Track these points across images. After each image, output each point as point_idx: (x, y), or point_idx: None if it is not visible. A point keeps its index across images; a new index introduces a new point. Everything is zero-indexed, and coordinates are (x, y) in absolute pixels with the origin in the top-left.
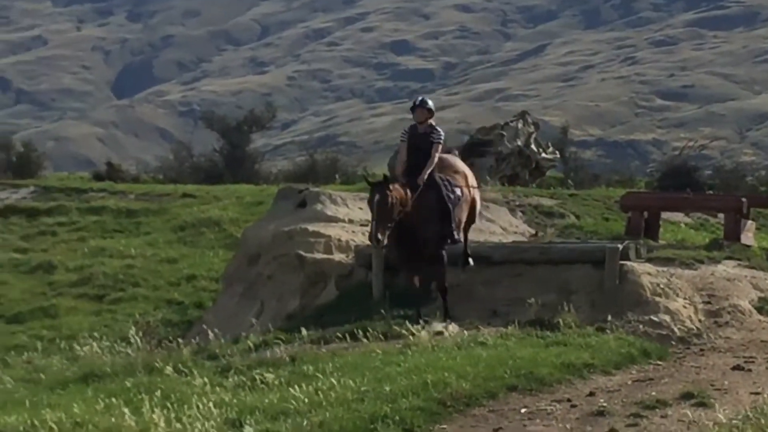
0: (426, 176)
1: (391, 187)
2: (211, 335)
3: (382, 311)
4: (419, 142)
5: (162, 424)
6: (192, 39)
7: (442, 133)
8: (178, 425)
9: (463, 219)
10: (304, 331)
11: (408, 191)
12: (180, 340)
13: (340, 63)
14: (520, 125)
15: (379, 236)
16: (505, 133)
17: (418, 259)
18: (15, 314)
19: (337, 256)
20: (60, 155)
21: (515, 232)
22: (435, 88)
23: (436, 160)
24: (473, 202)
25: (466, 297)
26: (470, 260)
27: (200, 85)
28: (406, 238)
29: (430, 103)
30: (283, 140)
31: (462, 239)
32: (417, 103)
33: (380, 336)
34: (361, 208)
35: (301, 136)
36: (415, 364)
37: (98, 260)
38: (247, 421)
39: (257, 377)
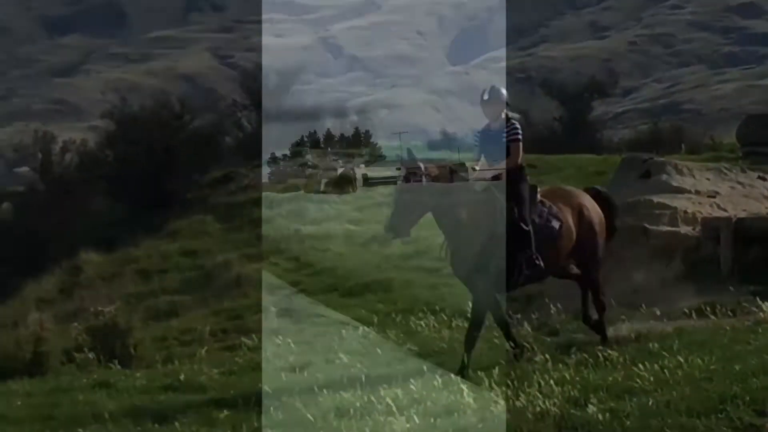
0: (496, 172)
1: (423, 166)
2: (552, 310)
3: (731, 287)
4: (495, 144)
5: (502, 402)
6: (530, 2)
7: (519, 127)
8: (518, 403)
9: (560, 260)
10: (644, 308)
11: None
12: (519, 316)
13: (684, 27)
14: None
15: (394, 223)
16: None
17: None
18: (350, 287)
19: (683, 229)
20: (393, 124)
21: None
22: None
23: (518, 159)
24: (579, 244)
25: None
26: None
27: (538, 51)
28: None
29: (503, 91)
30: (624, 108)
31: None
32: (487, 96)
33: (729, 312)
34: (708, 179)
35: (643, 104)
36: (766, 343)
37: (435, 232)
38: (591, 400)
39: (600, 354)
